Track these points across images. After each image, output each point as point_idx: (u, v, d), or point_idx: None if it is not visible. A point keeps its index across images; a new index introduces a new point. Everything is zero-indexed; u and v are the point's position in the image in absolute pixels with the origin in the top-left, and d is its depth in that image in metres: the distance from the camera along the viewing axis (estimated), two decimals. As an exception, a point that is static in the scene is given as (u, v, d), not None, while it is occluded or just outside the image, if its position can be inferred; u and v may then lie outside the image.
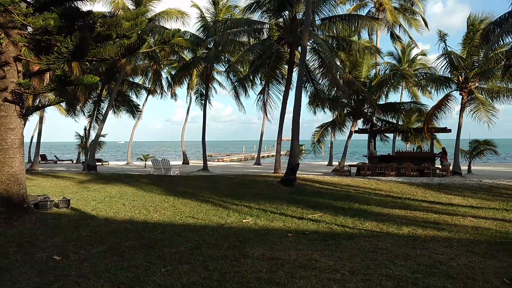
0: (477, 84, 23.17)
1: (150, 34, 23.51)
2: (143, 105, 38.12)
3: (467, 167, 24.75)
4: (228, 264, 6.49)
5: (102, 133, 30.21)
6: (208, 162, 29.08)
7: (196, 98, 32.08)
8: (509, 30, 19.25)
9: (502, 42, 20.42)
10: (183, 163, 36.47)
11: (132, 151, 43.68)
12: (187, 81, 35.09)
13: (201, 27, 27.54)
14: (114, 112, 32.84)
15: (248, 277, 5.86)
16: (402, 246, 7.76)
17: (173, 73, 31.73)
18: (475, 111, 22.68)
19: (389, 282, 5.65)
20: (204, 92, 28.96)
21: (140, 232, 8.78)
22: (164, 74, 34.10)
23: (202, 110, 28.65)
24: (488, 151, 25.10)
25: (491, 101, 23.12)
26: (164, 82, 32.22)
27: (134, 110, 32.74)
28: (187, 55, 30.81)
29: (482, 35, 20.79)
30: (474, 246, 7.74)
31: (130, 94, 33.08)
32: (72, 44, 8.48)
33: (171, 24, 25.62)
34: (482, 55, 22.08)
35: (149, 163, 31.53)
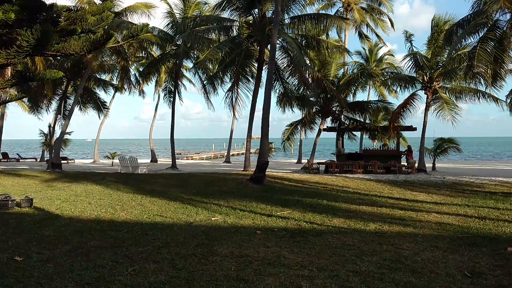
0: (441, 84, 23.84)
1: (117, 29, 23.04)
2: (111, 102, 37.43)
3: (431, 165, 25.44)
4: (196, 262, 6.43)
5: (68, 130, 29.50)
6: (177, 160, 28.84)
7: (165, 95, 31.77)
8: (470, 32, 19.89)
9: (464, 43, 21.10)
10: (151, 161, 36.00)
11: (99, 149, 42.83)
12: (156, 78, 34.67)
13: (169, 23, 27.22)
14: (80, 109, 32.10)
15: (217, 275, 5.82)
16: (368, 242, 7.88)
17: (141, 70, 31.28)
18: (439, 110, 23.33)
19: (356, 278, 5.73)
20: (172, 89, 28.65)
21: (106, 231, 8.60)
22: (132, 71, 33.57)
23: (170, 107, 28.38)
24: (451, 149, 25.89)
25: (454, 100, 23.84)
26: (132, 79, 31.70)
27: (101, 107, 32.08)
28: (156, 52, 30.40)
29: (446, 36, 21.42)
30: (437, 241, 7.94)
31: (97, 91, 32.39)
32: (33, 38, 8.18)
33: (139, 19, 25.15)
34: (445, 55, 22.73)
35: (116, 161, 30.96)
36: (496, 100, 23.69)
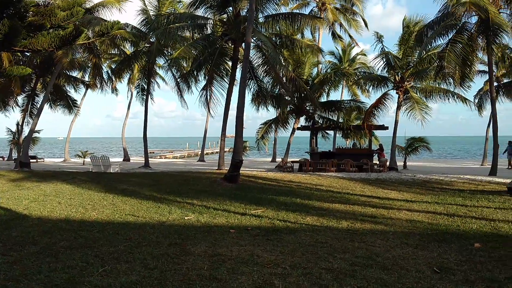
0: (412, 84, 24.33)
1: (88, 26, 22.57)
2: (82, 99, 36.63)
3: (403, 163, 25.95)
4: (169, 262, 6.37)
5: (37, 128, 28.75)
6: (150, 159, 28.52)
7: (138, 93, 31.28)
8: (440, 33, 20.38)
9: (434, 44, 21.60)
10: (123, 160, 35.47)
11: (70, 147, 41.93)
12: (128, 75, 34.16)
13: (143, 20, 26.84)
14: (51, 107, 31.35)
15: (189, 274, 5.77)
16: (341, 239, 7.97)
17: (114, 67, 30.75)
18: (410, 110, 23.80)
19: (328, 275, 5.78)
20: (146, 87, 28.28)
21: (76, 232, 8.42)
22: (104, 68, 32.96)
23: (143, 105, 27.98)
24: (422, 148, 26.47)
25: (425, 100, 24.37)
26: (104, 76, 31.13)
27: (71, 105, 31.41)
28: (129, 49, 29.95)
29: (416, 37, 21.88)
30: (408, 238, 8.10)
31: (67, 89, 31.68)
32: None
33: (111, 16, 24.74)
34: (416, 55, 23.21)
35: (87, 160, 30.38)
36: (464, 100, 24.33)
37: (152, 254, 6.78)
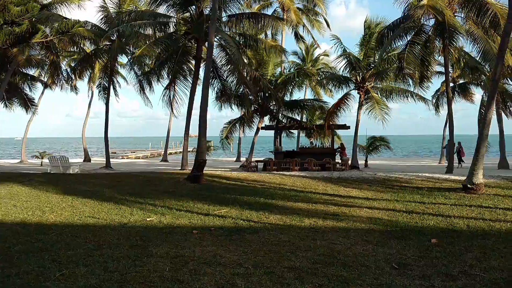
0: (373, 84, 24.89)
1: (46, 23, 21.83)
2: (39, 98, 35.38)
3: (364, 162, 26.49)
4: (130, 264, 6.26)
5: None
6: (111, 160, 27.90)
7: (99, 92, 30.51)
8: (400, 35, 20.92)
9: (394, 45, 22.17)
10: (84, 161, 34.55)
11: (28, 148, 40.50)
12: (89, 74, 33.29)
13: (103, 17, 26.20)
14: (6, 106, 30.10)
15: (151, 276, 5.70)
16: (303, 238, 8.06)
17: (73, 65, 29.88)
18: (371, 109, 24.32)
19: (290, 274, 5.83)
20: (107, 85, 27.65)
21: (33, 235, 8.14)
22: (63, 66, 31.95)
23: (105, 104, 27.34)
24: (382, 147, 27.10)
25: (385, 100, 24.98)
26: (63, 75, 30.15)
27: (28, 104, 30.27)
28: (89, 47, 29.16)
29: (377, 38, 22.39)
30: (368, 235, 8.28)
31: (23, 87, 30.50)
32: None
33: (70, 13, 23.91)
34: (377, 56, 23.75)
35: (46, 161, 29.36)
36: (423, 99, 25.10)
37: (113, 256, 6.65)
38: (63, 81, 30.15)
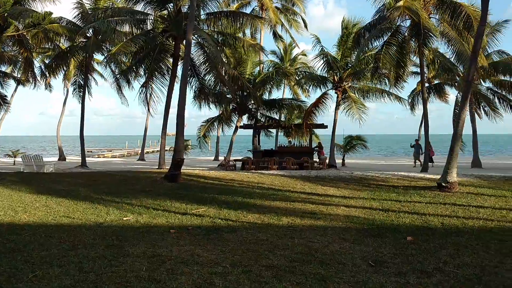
0: (350, 84, 25.13)
1: (18, 18, 21.29)
2: (12, 96, 34.52)
3: (341, 160, 26.75)
4: (106, 264, 6.16)
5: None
6: (87, 158, 27.42)
7: (74, 89, 29.95)
8: (376, 36, 21.19)
9: (371, 46, 22.44)
10: (59, 159, 33.87)
11: (0, 146, 39.46)
12: (64, 71, 32.61)
13: (79, 14, 25.71)
14: (-23, 103, 29.26)
15: (127, 276, 5.62)
16: (281, 236, 8.08)
17: (48, 62, 29.23)
18: (348, 109, 24.56)
19: (268, 272, 5.83)
20: (82, 83, 27.16)
21: (5, 236, 7.93)
22: (37, 63, 31.24)
23: (80, 102, 26.85)
24: (359, 146, 27.42)
25: (362, 100, 25.26)
26: (37, 72, 29.48)
27: (0, 101, 29.49)
28: (64, 44, 28.57)
29: (355, 39, 22.63)
30: (345, 233, 8.36)
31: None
32: None
33: (43, 8, 23.30)
34: (354, 56, 23.99)
35: (19, 159, 28.69)
36: (399, 99, 25.48)
37: (88, 256, 6.53)
38: (37, 78, 29.49)
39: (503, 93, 25.58)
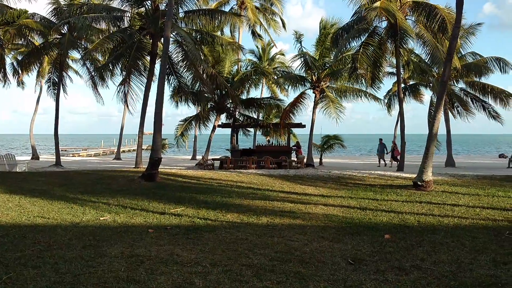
0: (328, 84, 25.35)
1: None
2: (-18, 93, 33.63)
3: (319, 160, 26.95)
4: (83, 265, 6.04)
5: None
6: (62, 157, 26.90)
7: (48, 87, 29.32)
8: (354, 36, 21.42)
9: (349, 46, 22.69)
10: (32, 158, 33.12)
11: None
12: (37, 68, 31.87)
13: (53, 10, 25.17)
14: None
15: (105, 277, 5.52)
16: (261, 235, 8.08)
17: (20, 59, 28.50)
18: (326, 108, 24.78)
19: (248, 271, 5.82)
20: (57, 81, 26.60)
21: (-24, 237, 7.70)
22: (8, 60, 30.40)
23: (55, 100, 26.30)
24: (336, 145, 27.67)
25: (339, 99, 25.52)
26: (8, 69, 28.71)
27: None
28: (37, 40, 27.92)
29: (332, 39, 22.84)
30: (324, 232, 8.42)
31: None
32: None
33: (16, 4, 22.74)
34: (332, 57, 24.22)
35: (-10, 158, 27.98)
36: (376, 99, 25.83)
37: (64, 257, 6.39)
38: (7, 76, 28.69)
39: (476, 93, 26.25)
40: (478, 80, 25.87)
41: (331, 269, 5.99)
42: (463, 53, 25.72)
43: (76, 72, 34.29)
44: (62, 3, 24.95)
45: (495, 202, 11.87)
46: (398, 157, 26.97)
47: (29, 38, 26.14)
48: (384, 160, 27.39)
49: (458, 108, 26.47)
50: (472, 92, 26.40)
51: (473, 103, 26.21)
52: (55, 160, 25.25)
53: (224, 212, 10.41)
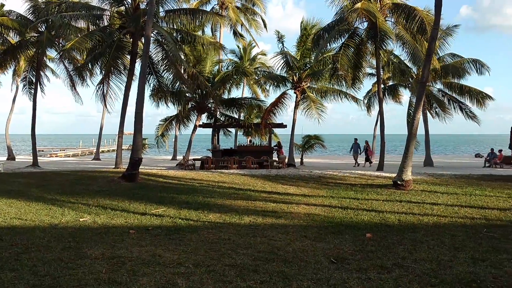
0: (309, 84, 25.48)
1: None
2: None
3: (300, 159, 27.07)
4: (63, 267, 5.92)
5: None
6: (39, 158, 26.41)
7: (24, 86, 28.71)
8: (335, 37, 21.58)
9: (329, 47, 22.85)
10: (7, 159, 32.43)
11: None
12: (13, 66, 31.20)
13: (30, 7, 24.66)
14: None
15: (86, 279, 5.42)
16: (243, 235, 8.06)
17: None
18: (307, 109, 24.91)
19: (232, 271, 5.79)
20: (34, 80, 26.07)
21: (-50, 239, 7.48)
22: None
23: (31, 100, 25.77)
24: (317, 145, 27.84)
25: (320, 100, 25.68)
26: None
27: None
28: (13, 38, 27.33)
29: (313, 40, 22.96)
30: (307, 231, 8.44)
31: None
32: None
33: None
34: (313, 57, 24.35)
35: (-36, 159, 27.27)
36: (356, 100, 26.07)
37: (43, 259, 6.26)
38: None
39: (453, 94, 26.75)
40: (456, 81, 26.37)
41: (314, 268, 6.01)
42: (442, 54, 26.15)
43: (53, 72, 33.70)
44: (40, 0, 24.48)
45: (473, 201, 12.10)
46: (371, 157, 27.29)
47: (4, 36, 25.59)
48: (356, 160, 27.63)
49: (436, 109, 26.93)
50: (449, 93, 26.89)
51: (450, 104, 26.71)
52: (32, 160, 24.75)
53: (206, 213, 10.35)
